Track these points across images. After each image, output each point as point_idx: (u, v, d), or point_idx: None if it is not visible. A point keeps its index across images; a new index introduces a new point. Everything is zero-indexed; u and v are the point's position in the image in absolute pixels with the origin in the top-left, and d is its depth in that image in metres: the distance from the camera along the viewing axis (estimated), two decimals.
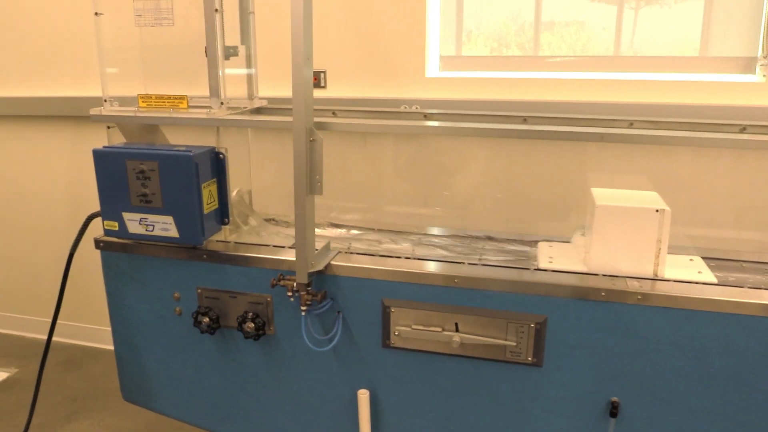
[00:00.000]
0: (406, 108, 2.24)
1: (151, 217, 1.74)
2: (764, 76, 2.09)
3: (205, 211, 1.74)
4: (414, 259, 1.73)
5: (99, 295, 2.73)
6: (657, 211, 1.53)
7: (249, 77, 1.99)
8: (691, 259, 1.70)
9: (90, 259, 2.08)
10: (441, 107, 2.21)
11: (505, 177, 2.27)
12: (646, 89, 2.15)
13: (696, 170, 2.10)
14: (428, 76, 2.35)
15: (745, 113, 2.03)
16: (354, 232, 2.03)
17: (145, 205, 1.73)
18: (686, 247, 1.78)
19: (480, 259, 1.75)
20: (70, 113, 2.78)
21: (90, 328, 3.17)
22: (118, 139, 1.89)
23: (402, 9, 2.28)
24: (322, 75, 2.40)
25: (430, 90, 2.33)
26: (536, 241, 1.87)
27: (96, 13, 1.78)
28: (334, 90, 2.41)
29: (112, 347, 2.01)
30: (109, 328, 1.97)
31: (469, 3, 2.36)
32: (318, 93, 2.38)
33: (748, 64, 2.16)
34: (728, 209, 2.10)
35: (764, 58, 2.11)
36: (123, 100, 1.88)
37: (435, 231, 2.04)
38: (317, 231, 1.85)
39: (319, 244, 1.70)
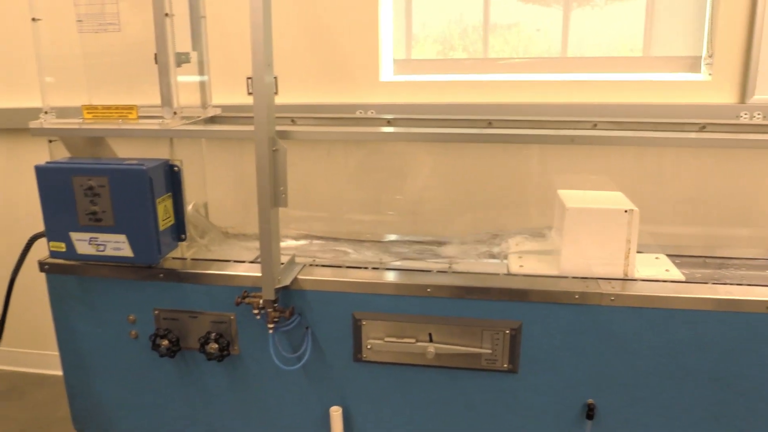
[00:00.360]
0: (361, 113, 2.19)
1: (102, 237, 1.63)
2: (710, 74, 2.14)
3: (161, 228, 1.64)
4: (383, 269, 1.68)
5: (41, 318, 2.56)
6: (626, 211, 1.53)
7: (202, 84, 1.90)
8: (657, 257, 1.72)
9: (32, 282, 1.94)
10: (396, 111, 2.17)
11: (466, 180, 2.24)
12: (600, 90, 2.16)
13: (646, 167, 2.13)
14: (382, 80, 2.30)
15: (695, 111, 2.07)
16: (317, 242, 1.96)
17: (95, 224, 1.62)
18: (649, 245, 1.80)
19: (450, 266, 1.72)
20: (2, 126, 2.60)
21: (31, 353, 2.97)
22: (61, 154, 1.77)
23: (354, 12, 2.22)
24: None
25: (385, 94, 2.29)
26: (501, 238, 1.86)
27: (33, 19, 1.66)
28: (286, 96, 2.33)
29: (56, 372, 1.88)
30: (52, 353, 1.85)
31: (414, 6, 2.33)
32: None
33: (693, 64, 2.22)
34: (683, 205, 2.14)
35: (709, 56, 2.16)
36: (64, 111, 1.76)
37: (399, 238, 2.00)
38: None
39: (282, 258, 1.63)
